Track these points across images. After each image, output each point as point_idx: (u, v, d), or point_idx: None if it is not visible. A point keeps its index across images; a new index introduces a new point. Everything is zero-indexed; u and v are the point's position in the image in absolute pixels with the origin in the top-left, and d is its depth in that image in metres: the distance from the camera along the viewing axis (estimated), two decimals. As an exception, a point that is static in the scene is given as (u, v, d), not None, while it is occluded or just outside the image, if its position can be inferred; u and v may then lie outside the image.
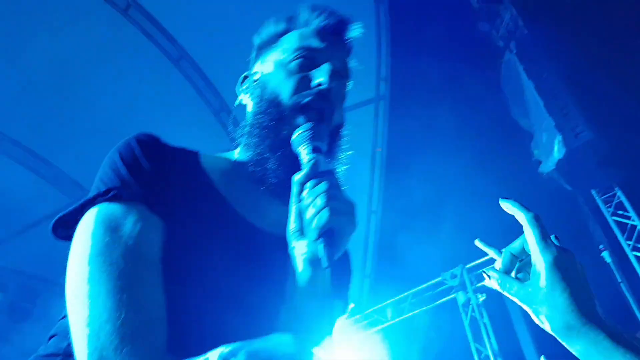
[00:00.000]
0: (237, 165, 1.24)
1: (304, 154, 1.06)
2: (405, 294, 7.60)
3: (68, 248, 1.00)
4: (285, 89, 1.20)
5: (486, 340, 7.01)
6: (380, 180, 7.33)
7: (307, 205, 0.97)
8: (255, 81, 1.29)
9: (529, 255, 0.95)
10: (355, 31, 1.33)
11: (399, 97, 6.99)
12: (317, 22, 1.28)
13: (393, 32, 6.73)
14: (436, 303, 7.54)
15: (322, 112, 1.19)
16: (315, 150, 1.06)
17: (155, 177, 1.05)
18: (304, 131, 1.08)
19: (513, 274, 1.00)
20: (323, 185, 0.97)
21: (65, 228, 1.04)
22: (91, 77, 5.96)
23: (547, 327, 0.87)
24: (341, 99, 1.30)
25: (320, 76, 1.19)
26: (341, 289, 1.34)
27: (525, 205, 0.96)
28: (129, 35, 6.10)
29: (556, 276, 0.87)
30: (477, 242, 1.43)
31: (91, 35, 6.01)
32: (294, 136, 1.09)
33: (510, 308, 8.07)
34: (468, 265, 7.33)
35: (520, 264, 0.99)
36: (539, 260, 0.90)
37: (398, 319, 7.60)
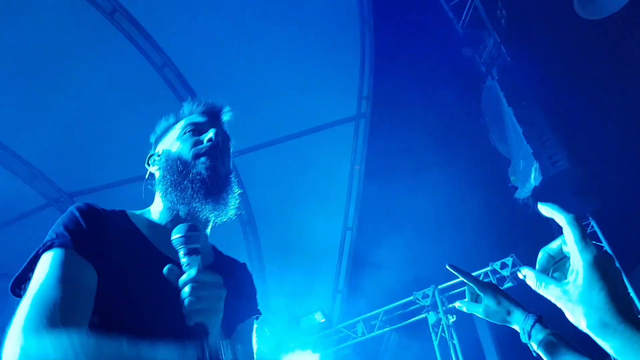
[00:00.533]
0: (156, 214, 1.58)
1: (181, 255, 1.30)
2: (377, 311, 7.62)
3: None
4: (184, 149, 1.58)
5: (455, 360, 7.06)
6: (358, 197, 7.37)
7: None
8: (159, 155, 1.65)
9: (565, 256, 0.98)
10: (226, 114, 1.77)
11: (379, 116, 7.04)
12: (198, 108, 1.73)
13: (377, 52, 6.79)
14: (407, 322, 7.58)
15: (216, 158, 1.56)
16: (190, 252, 1.29)
17: (89, 233, 1.36)
18: (179, 236, 1.31)
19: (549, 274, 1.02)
20: (188, 289, 1.22)
21: (20, 288, 1.32)
22: (72, 78, 5.97)
23: (582, 324, 0.88)
24: (227, 152, 1.67)
25: (209, 134, 1.59)
26: (249, 300, 1.65)
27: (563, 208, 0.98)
28: (113, 39, 6.11)
29: (595, 275, 0.89)
30: (448, 267, 1.56)
31: (75, 36, 6.02)
32: (173, 237, 1.32)
33: (479, 330, 8.12)
34: (440, 286, 7.38)
35: (555, 265, 1.02)
36: (578, 259, 0.91)
37: (369, 336, 7.63)
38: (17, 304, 1.23)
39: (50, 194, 6.91)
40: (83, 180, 6.96)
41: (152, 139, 1.75)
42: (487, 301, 1.52)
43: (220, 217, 1.56)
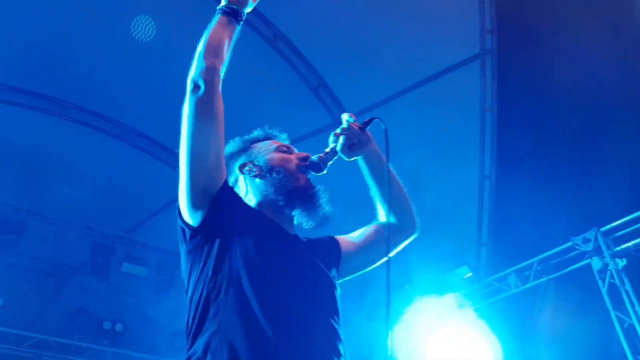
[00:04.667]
0: (266, 205, 1.99)
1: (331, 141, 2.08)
2: (530, 260, 7.07)
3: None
4: (289, 163, 2.05)
5: (629, 308, 6.30)
6: (492, 142, 6.77)
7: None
8: (255, 165, 2.06)
9: None
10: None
11: (507, 50, 6.32)
12: (272, 132, 2.24)
13: (496, -22, 6.08)
14: (566, 270, 6.92)
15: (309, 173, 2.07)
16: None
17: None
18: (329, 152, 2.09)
19: None
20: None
21: None
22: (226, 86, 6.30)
23: None
24: None
25: (303, 155, 2.09)
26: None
27: None
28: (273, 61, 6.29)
29: None
30: None
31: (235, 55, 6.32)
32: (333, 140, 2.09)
33: (658, 274, 7.09)
34: (603, 228, 6.57)
35: None
36: None
37: (522, 288, 7.13)
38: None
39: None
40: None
41: (230, 149, 2.14)
42: None
43: (310, 220, 1.97)
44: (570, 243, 6.83)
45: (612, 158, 6.17)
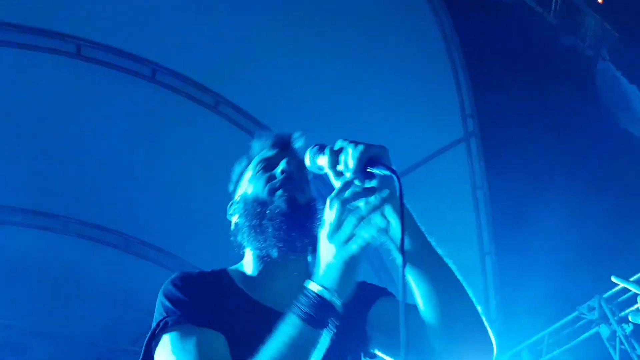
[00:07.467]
0: (248, 265, 1.53)
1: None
2: (541, 334, 7.02)
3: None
4: (259, 187, 1.51)
5: (646, 374, 6.24)
6: (487, 219, 6.99)
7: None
8: (237, 202, 1.59)
9: None
10: (298, 141, 1.62)
11: (489, 131, 6.74)
12: (267, 142, 1.64)
13: (469, 68, 6.61)
14: (578, 340, 6.89)
15: (294, 188, 1.47)
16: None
17: (190, 300, 1.36)
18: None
19: None
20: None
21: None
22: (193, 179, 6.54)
23: None
24: (306, 180, 1.57)
25: (281, 167, 1.51)
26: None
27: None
28: (219, 130, 6.62)
29: None
30: (614, 279, 1.61)
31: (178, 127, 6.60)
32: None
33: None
34: (605, 295, 6.65)
35: None
36: None
37: (538, 362, 7.04)
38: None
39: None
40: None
41: (231, 188, 1.70)
42: None
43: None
44: (576, 312, 6.84)
45: (605, 226, 6.40)
